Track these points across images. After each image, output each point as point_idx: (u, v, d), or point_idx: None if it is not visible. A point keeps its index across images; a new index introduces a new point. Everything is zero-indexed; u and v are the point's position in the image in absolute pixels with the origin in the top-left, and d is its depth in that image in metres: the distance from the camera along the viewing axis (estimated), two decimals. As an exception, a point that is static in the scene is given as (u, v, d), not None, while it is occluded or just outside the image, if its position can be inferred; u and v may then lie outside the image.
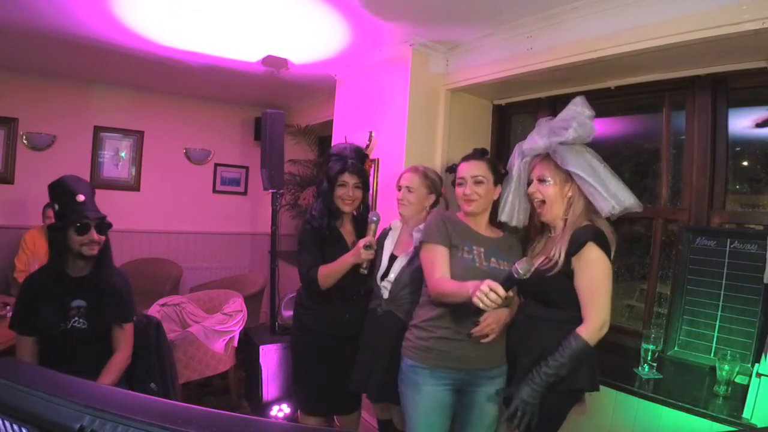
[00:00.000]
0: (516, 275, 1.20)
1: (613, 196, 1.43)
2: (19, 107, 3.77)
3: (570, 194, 1.50)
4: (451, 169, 1.78)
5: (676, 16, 1.62)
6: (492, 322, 1.46)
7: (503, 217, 1.66)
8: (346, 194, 1.91)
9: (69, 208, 1.66)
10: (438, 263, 1.51)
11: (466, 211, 1.63)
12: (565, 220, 1.50)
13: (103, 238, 1.71)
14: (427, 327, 1.55)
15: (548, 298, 1.48)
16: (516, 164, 1.65)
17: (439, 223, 1.59)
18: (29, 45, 2.96)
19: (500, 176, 1.66)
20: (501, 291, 1.20)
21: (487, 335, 1.47)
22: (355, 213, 2.02)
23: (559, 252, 1.41)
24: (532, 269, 1.23)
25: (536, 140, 1.55)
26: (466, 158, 1.67)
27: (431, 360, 1.52)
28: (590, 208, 1.47)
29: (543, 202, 1.51)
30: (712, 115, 1.90)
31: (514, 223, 1.65)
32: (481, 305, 1.21)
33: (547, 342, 1.39)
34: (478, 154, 1.67)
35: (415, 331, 1.59)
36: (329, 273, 1.82)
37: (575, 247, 1.38)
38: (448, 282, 1.45)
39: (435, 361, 1.52)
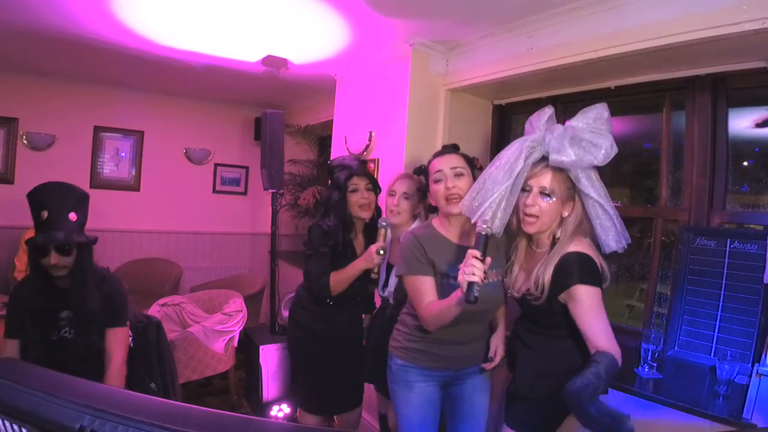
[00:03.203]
0: (484, 233, 1.25)
1: (622, 233, 1.36)
2: (19, 107, 3.77)
3: (566, 214, 1.37)
4: (420, 170, 1.65)
5: (676, 16, 1.62)
6: (502, 353, 1.58)
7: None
8: (361, 198, 1.87)
9: (35, 225, 1.55)
10: (425, 293, 1.41)
11: (449, 212, 1.47)
12: (552, 237, 1.39)
13: (67, 259, 1.54)
14: (415, 332, 1.53)
15: (535, 320, 1.45)
16: (520, 164, 1.35)
17: (415, 251, 1.44)
18: (29, 45, 2.96)
19: (476, 170, 1.52)
20: (478, 254, 1.21)
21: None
22: (367, 220, 1.97)
23: (543, 284, 1.31)
24: (491, 218, 1.30)
25: (568, 152, 1.30)
26: (438, 154, 1.54)
27: (422, 361, 1.53)
28: (578, 229, 1.36)
29: (537, 218, 1.35)
30: (712, 115, 1.90)
31: (494, 231, 1.34)
32: (473, 278, 1.17)
33: (547, 353, 1.42)
34: (450, 148, 1.56)
35: (403, 334, 1.57)
36: (340, 280, 1.82)
37: (559, 288, 1.29)
38: (436, 303, 1.38)
39: (425, 362, 1.53)
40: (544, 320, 1.41)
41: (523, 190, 1.37)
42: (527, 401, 1.44)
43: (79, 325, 1.62)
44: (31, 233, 3.52)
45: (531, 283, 1.36)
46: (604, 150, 1.29)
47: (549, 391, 1.38)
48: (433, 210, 1.63)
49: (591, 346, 1.24)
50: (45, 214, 1.51)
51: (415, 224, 1.86)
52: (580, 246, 1.32)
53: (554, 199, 1.34)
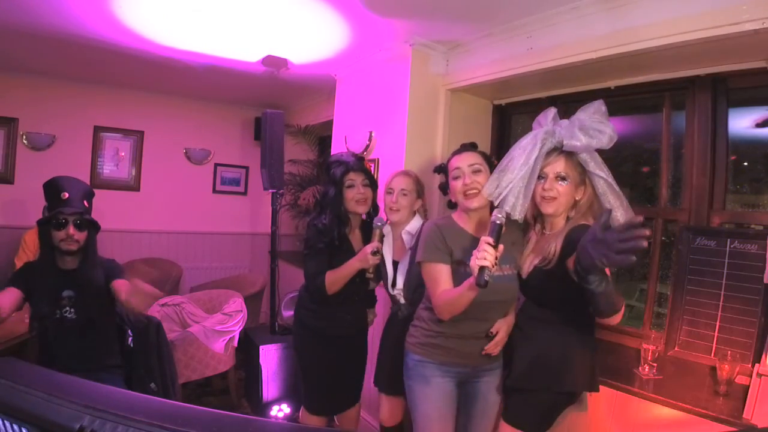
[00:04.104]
0: (498, 222, 1.31)
1: (629, 208, 1.48)
2: (19, 107, 3.77)
3: (579, 197, 1.49)
4: (440, 168, 1.70)
5: (676, 16, 1.62)
6: (504, 336, 1.54)
7: (506, 207, 1.49)
8: (357, 193, 1.87)
9: (53, 205, 1.72)
10: (441, 280, 1.47)
11: (468, 207, 1.53)
12: (566, 218, 1.49)
13: (81, 234, 1.74)
14: (433, 327, 1.55)
15: (542, 298, 1.50)
16: (536, 152, 1.47)
17: (436, 239, 1.51)
18: (29, 45, 2.95)
19: (493, 168, 1.57)
20: (491, 240, 1.27)
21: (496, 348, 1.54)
22: (364, 216, 1.97)
23: (555, 250, 1.40)
24: (505, 213, 1.37)
25: (580, 137, 1.44)
26: (457, 152, 1.61)
27: (439, 356, 1.54)
28: (589, 211, 1.49)
29: (554, 199, 1.46)
30: (712, 115, 1.90)
31: (515, 216, 1.48)
32: (484, 262, 1.23)
33: (543, 341, 1.47)
34: (468, 147, 1.62)
35: (420, 329, 1.59)
36: (336, 279, 1.81)
37: (571, 249, 1.33)
38: (450, 290, 1.43)
39: (442, 357, 1.54)
40: (550, 292, 1.44)
41: (539, 177, 1.49)
42: (523, 394, 1.46)
43: (79, 304, 1.76)
44: (32, 233, 3.56)
45: (542, 255, 1.44)
46: (608, 134, 1.45)
47: (544, 381, 1.43)
48: (452, 206, 1.67)
49: None
50: (66, 194, 1.72)
51: (414, 220, 1.87)
52: (590, 223, 1.43)
53: (569, 182, 1.47)
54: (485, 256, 1.24)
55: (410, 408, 1.63)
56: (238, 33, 2.60)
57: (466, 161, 1.55)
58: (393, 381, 1.83)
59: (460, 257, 1.49)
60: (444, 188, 1.70)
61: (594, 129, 1.44)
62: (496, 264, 1.26)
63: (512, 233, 1.54)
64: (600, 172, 1.47)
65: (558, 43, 2.01)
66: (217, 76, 3.46)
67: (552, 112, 1.59)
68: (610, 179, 1.47)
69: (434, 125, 2.60)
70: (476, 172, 1.54)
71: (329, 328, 1.92)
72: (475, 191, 1.52)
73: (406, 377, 1.62)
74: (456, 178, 1.55)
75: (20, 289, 1.70)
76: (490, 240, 1.27)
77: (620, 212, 1.47)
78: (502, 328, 1.54)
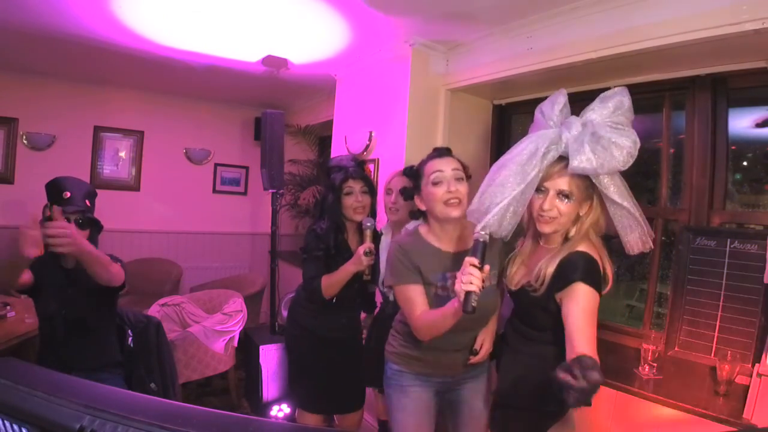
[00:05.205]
0: (481, 239, 1.19)
1: (648, 233, 1.30)
2: (19, 107, 3.77)
3: (582, 213, 1.29)
4: (412, 172, 1.54)
5: (676, 16, 1.62)
6: (489, 347, 1.52)
7: (492, 226, 1.29)
8: (356, 201, 1.86)
9: (57, 204, 1.71)
10: (416, 302, 1.37)
11: (449, 216, 1.38)
12: (565, 235, 1.32)
13: (83, 233, 1.73)
14: (409, 339, 1.48)
15: (527, 320, 1.39)
16: (535, 168, 1.25)
17: (401, 259, 1.40)
18: (29, 45, 2.95)
19: (470, 178, 1.47)
20: (476, 262, 1.15)
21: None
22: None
23: (544, 277, 1.25)
24: (488, 228, 1.22)
25: (590, 157, 1.19)
26: (435, 156, 1.45)
27: (417, 367, 1.51)
28: (593, 228, 1.30)
29: (554, 219, 1.27)
30: (712, 115, 1.90)
31: (502, 234, 1.31)
32: (471, 287, 1.12)
33: (527, 359, 1.37)
34: (446, 151, 1.48)
35: (400, 340, 1.54)
36: (332, 283, 1.81)
37: (561, 283, 1.22)
38: (430, 313, 1.34)
39: (420, 368, 1.50)
40: (535, 318, 1.35)
41: (537, 190, 1.28)
42: (508, 410, 1.41)
43: (76, 303, 1.75)
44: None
45: (532, 276, 1.29)
46: (627, 150, 1.19)
47: (528, 401, 1.34)
48: (416, 216, 1.56)
49: (571, 351, 1.10)
50: (68, 194, 1.72)
51: (412, 223, 1.87)
52: (590, 248, 1.26)
53: (573, 200, 1.26)
54: (471, 280, 1.12)
55: (388, 416, 1.61)
56: (238, 33, 2.60)
57: (449, 165, 1.40)
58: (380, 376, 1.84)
59: (431, 277, 1.39)
60: (409, 193, 1.57)
61: (609, 140, 1.18)
62: (483, 287, 1.14)
63: (491, 244, 1.34)
64: (615, 197, 1.24)
65: (558, 43, 2.01)
66: (217, 76, 3.46)
67: (562, 100, 1.34)
68: (627, 202, 1.25)
69: (434, 125, 2.60)
70: (459, 180, 1.40)
71: (322, 329, 1.93)
72: (457, 201, 1.38)
73: (386, 385, 1.59)
74: (437, 183, 1.38)
75: (34, 276, 1.71)
76: (475, 261, 1.15)
77: (634, 236, 1.29)
78: (486, 339, 1.52)
